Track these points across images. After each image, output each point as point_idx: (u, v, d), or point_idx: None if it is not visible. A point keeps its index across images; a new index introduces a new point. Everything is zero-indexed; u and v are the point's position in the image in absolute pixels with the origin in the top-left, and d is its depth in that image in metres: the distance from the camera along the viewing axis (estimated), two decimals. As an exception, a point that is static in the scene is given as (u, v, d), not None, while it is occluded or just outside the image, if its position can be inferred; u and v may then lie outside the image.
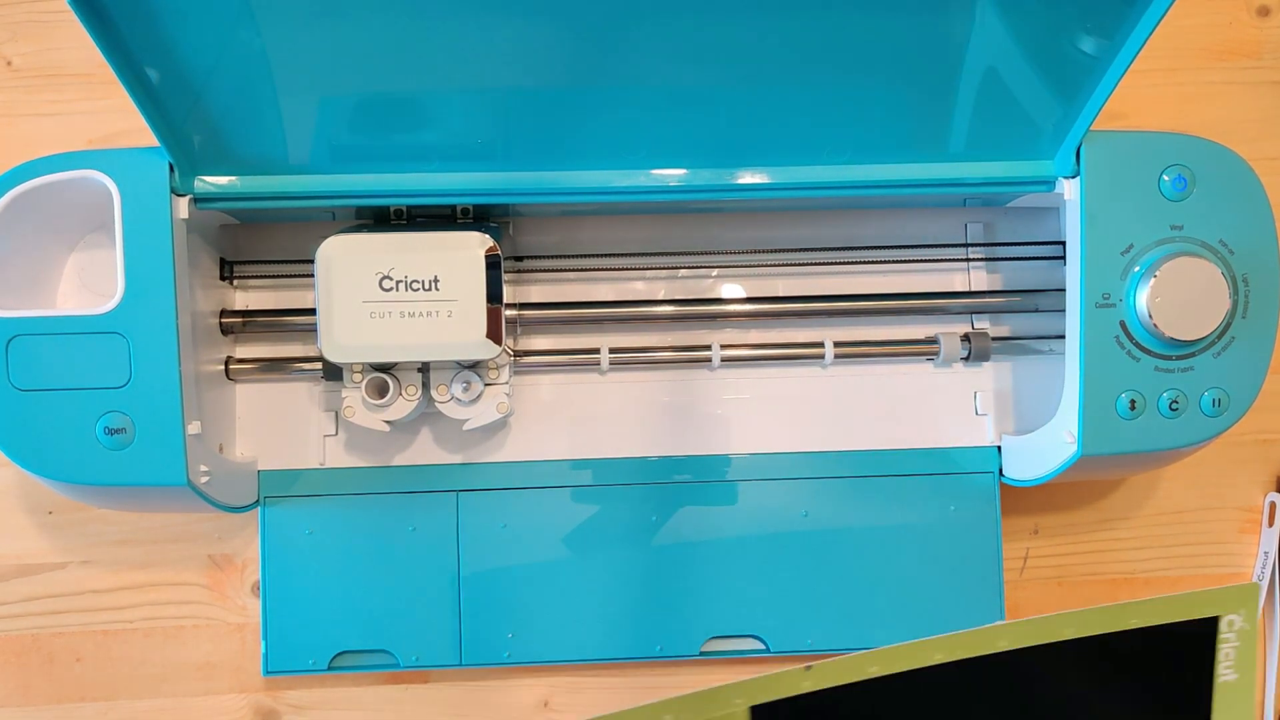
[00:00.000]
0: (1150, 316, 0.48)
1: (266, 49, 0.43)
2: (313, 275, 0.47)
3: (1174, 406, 0.49)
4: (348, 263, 0.47)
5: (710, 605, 0.55)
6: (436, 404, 0.51)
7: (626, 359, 0.55)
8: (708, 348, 0.55)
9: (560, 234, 0.56)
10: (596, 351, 0.54)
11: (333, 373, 0.53)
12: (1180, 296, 0.48)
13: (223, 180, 0.48)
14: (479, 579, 0.55)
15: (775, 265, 0.56)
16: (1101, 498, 0.60)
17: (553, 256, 0.55)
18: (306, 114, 0.46)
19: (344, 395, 0.50)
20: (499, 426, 0.55)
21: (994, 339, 0.55)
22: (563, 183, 0.49)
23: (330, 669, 0.54)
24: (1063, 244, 0.51)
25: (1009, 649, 0.38)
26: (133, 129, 0.53)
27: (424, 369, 0.50)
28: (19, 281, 0.49)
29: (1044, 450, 0.52)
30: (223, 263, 0.53)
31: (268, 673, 0.54)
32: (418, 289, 0.47)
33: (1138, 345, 0.49)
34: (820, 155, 0.49)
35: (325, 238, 0.47)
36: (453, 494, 0.55)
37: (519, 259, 0.55)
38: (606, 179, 0.49)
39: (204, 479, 0.48)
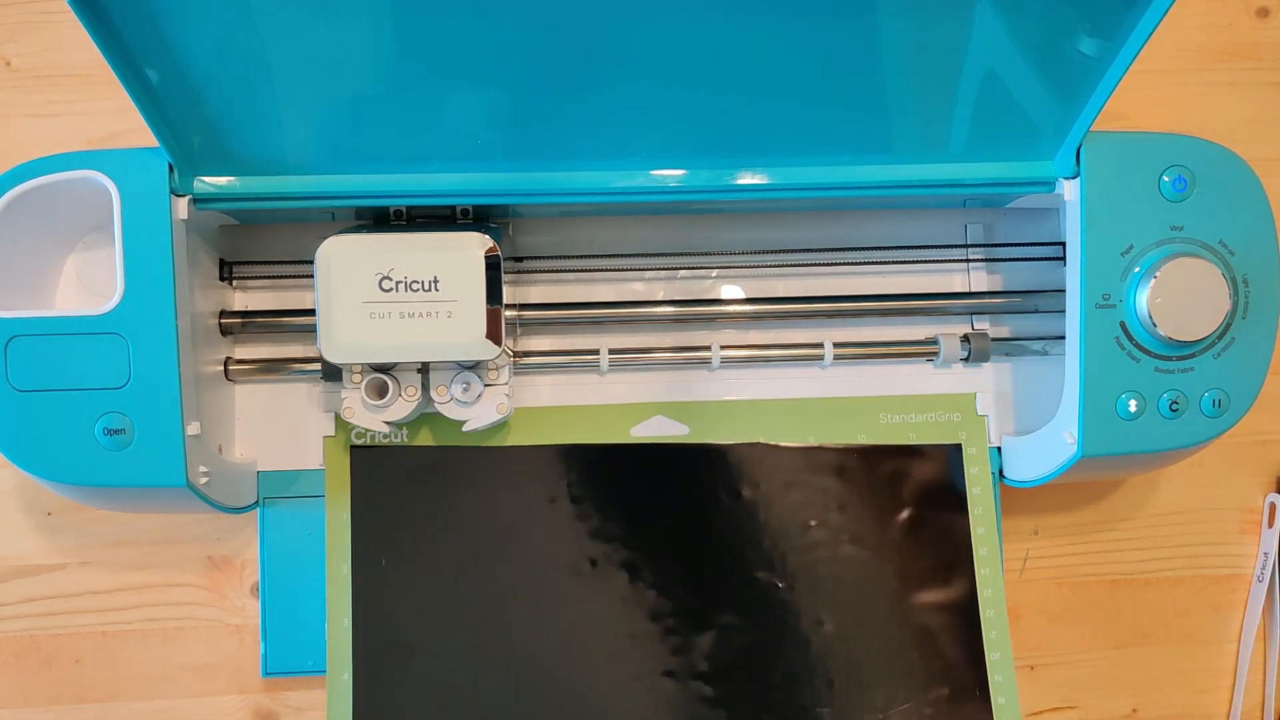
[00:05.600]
0: (1150, 317, 0.48)
1: (266, 49, 0.43)
2: (312, 276, 0.47)
3: (1174, 407, 0.49)
4: (347, 263, 0.47)
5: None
6: (436, 404, 0.51)
7: (626, 359, 0.54)
8: (707, 348, 0.55)
9: (560, 235, 0.56)
10: (596, 352, 0.54)
11: (332, 373, 0.53)
12: (1180, 297, 0.48)
13: (222, 180, 0.48)
14: (479, 579, 0.55)
15: (775, 266, 0.56)
16: (1101, 498, 0.60)
17: (552, 257, 0.55)
18: (306, 114, 0.46)
19: (343, 396, 0.50)
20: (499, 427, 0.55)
21: (994, 340, 0.55)
22: (562, 183, 0.49)
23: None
24: (1063, 244, 0.51)
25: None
26: (132, 129, 0.52)
27: (423, 369, 0.50)
28: (18, 282, 0.49)
29: (1044, 451, 0.52)
30: (222, 263, 0.53)
31: (267, 674, 0.54)
32: (417, 289, 0.47)
33: (1138, 346, 0.49)
34: (820, 156, 0.49)
35: (325, 238, 0.47)
36: (452, 494, 0.55)
37: (519, 259, 0.55)
38: (606, 179, 0.49)
39: (203, 480, 0.48)
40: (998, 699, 0.53)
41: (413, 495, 0.53)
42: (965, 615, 0.53)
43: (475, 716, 0.52)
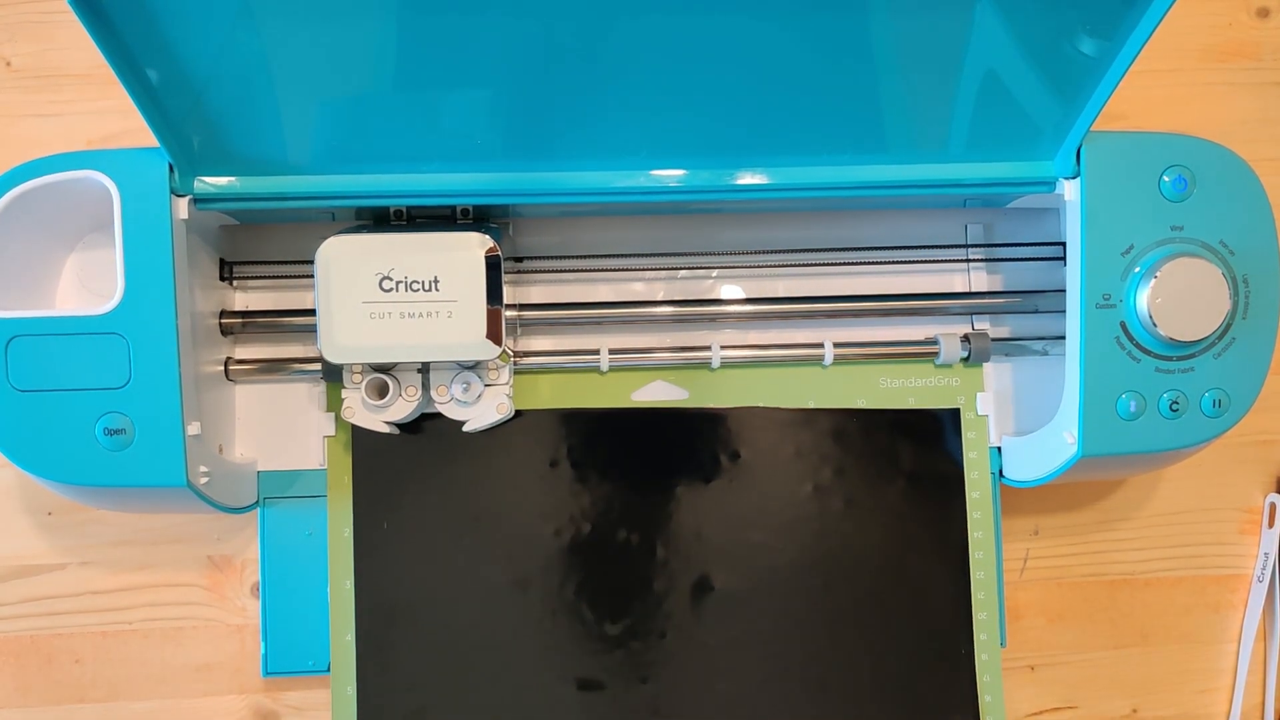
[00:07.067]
0: (1151, 317, 0.48)
1: (266, 49, 0.43)
2: (312, 276, 0.47)
3: (1174, 407, 0.49)
4: (347, 263, 0.47)
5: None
6: (436, 404, 0.51)
7: (626, 359, 0.54)
8: (707, 348, 0.55)
9: (560, 235, 0.56)
10: (596, 352, 0.54)
11: (333, 373, 0.53)
12: (1180, 297, 0.48)
13: (222, 180, 0.48)
14: (479, 579, 0.55)
15: (775, 266, 0.56)
16: (1101, 498, 0.60)
17: (553, 257, 0.55)
18: (306, 114, 0.46)
19: (344, 396, 0.50)
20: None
21: (994, 340, 0.55)
22: (563, 183, 0.49)
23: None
24: (1063, 244, 0.51)
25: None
26: (133, 129, 0.53)
27: (424, 369, 0.50)
28: (18, 282, 0.49)
29: (1044, 451, 0.52)
30: (222, 263, 0.53)
31: (267, 674, 0.54)
32: (417, 290, 0.47)
33: (1138, 346, 0.49)
34: (820, 156, 0.49)
35: (325, 238, 0.47)
36: (453, 494, 0.55)
37: (519, 260, 0.55)
38: (606, 180, 0.49)
39: (203, 480, 0.48)
40: (981, 655, 0.54)
41: (415, 458, 0.54)
42: (957, 576, 0.55)
43: (478, 676, 0.53)
